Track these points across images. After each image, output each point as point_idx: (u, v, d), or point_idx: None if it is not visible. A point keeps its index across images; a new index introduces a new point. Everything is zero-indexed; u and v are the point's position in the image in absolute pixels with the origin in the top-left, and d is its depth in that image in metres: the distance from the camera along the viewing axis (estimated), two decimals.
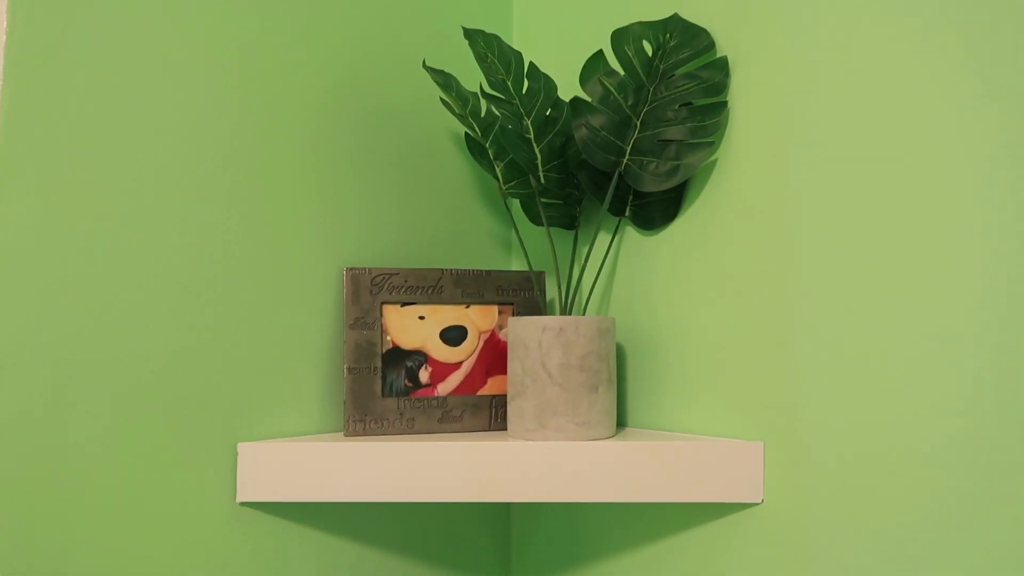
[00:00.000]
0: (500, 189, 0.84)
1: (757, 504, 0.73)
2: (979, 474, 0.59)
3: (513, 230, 0.99)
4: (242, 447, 0.76)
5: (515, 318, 0.79)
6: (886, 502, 0.64)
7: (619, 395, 0.86)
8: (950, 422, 0.60)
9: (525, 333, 0.77)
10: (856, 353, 0.66)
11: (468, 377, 0.86)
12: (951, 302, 0.61)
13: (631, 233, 0.87)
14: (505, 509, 0.98)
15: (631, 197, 0.85)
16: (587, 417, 0.76)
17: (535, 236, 0.98)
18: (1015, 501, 0.57)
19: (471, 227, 0.96)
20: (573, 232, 0.91)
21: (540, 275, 0.89)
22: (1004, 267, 0.58)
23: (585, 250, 0.87)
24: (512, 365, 0.79)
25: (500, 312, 0.88)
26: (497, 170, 0.84)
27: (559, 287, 0.82)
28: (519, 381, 0.78)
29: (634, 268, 0.86)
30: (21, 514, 0.65)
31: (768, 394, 0.73)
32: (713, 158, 0.79)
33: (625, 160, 0.80)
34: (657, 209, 0.83)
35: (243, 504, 0.77)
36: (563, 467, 0.73)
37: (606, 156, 0.80)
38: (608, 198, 0.80)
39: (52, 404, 0.67)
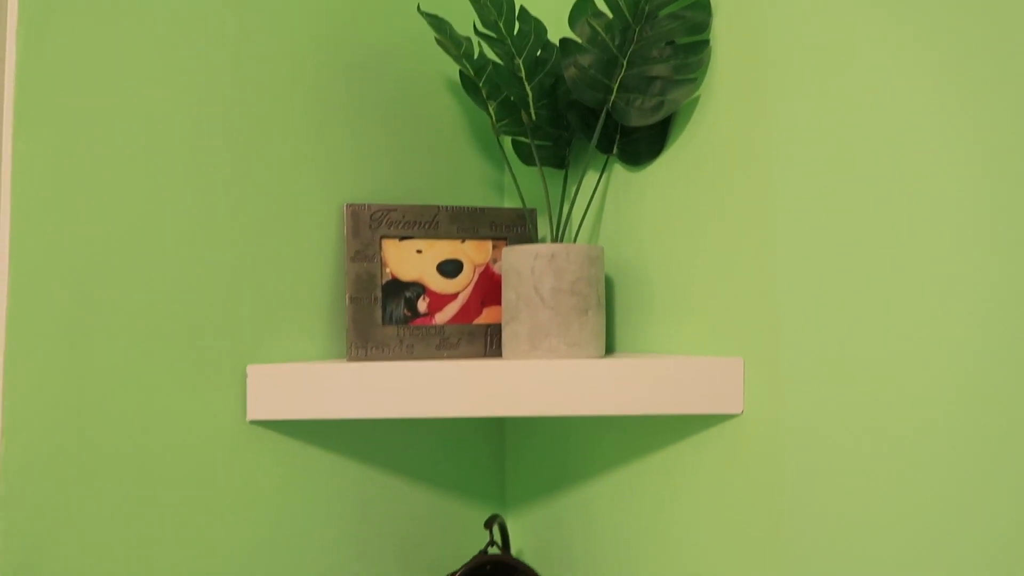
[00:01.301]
0: (493, 127, 0.88)
1: (737, 415, 0.78)
2: (956, 386, 0.64)
3: (506, 169, 1.03)
4: (251, 369, 0.80)
5: (509, 247, 0.83)
6: (860, 413, 0.69)
7: (608, 324, 0.91)
8: (922, 335, 0.65)
9: (518, 261, 0.82)
10: (831, 275, 0.71)
11: (464, 307, 0.91)
12: (924, 222, 0.65)
13: (618, 170, 0.91)
14: (499, 426, 1.03)
15: (618, 135, 0.89)
16: (578, 338, 0.80)
17: (525, 177, 1.02)
18: (988, 414, 0.62)
19: (464, 168, 1.00)
20: (563, 172, 0.95)
21: (532, 212, 0.94)
22: (974, 188, 0.63)
23: (574, 188, 0.91)
24: (507, 293, 0.83)
25: (494, 247, 0.92)
26: (490, 109, 0.88)
27: (550, 222, 0.87)
28: (513, 307, 0.82)
29: (621, 203, 0.91)
30: (46, 430, 0.69)
31: (748, 314, 0.77)
32: (696, 95, 0.84)
33: (612, 97, 0.84)
34: (643, 145, 0.87)
35: (253, 423, 0.81)
36: (555, 383, 0.77)
37: (594, 94, 0.84)
38: (596, 135, 0.84)
39: (75, 331, 0.71)
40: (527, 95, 0.86)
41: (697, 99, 0.83)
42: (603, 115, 0.84)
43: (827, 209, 0.72)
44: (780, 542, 0.75)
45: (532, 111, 0.87)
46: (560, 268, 0.80)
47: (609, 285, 0.91)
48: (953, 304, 0.63)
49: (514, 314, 0.82)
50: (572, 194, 0.90)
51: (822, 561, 0.71)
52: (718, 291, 0.80)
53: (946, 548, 0.63)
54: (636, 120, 0.83)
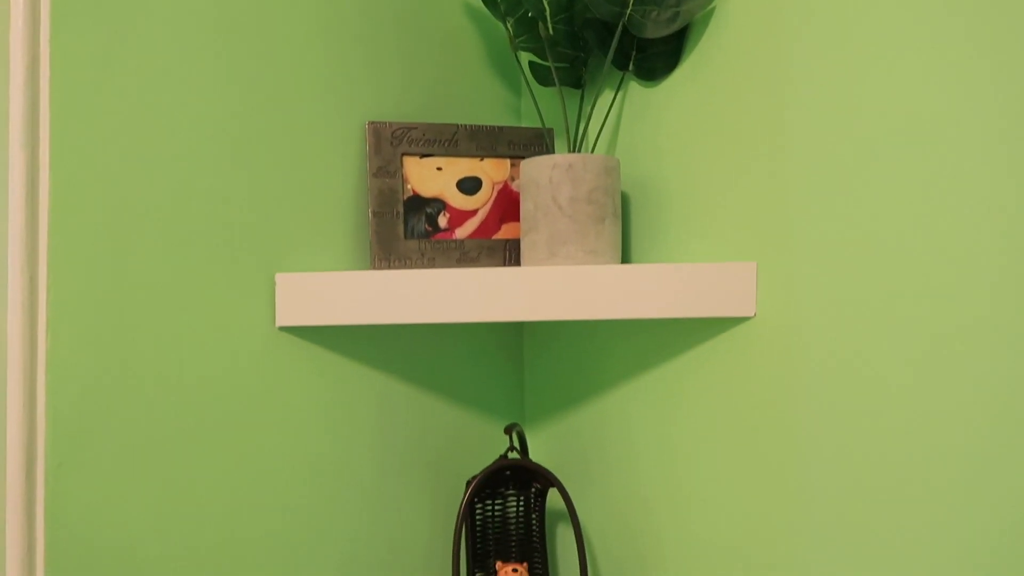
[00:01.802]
0: (511, 42, 0.90)
1: (750, 319, 0.80)
2: (970, 292, 0.65)
3: (521, 91, 1.04)
4: (279, 277, 0.83)
5: (527, 160, 0.85)
6: (872, 315, 0.71)
7: (624, 237, 0.93)
8: (935, 239, 0.67)
9: (537, 171, 0.84)
10: (844, 181, 0.72)
11: (483, 223, 0.93)
12: (936, 128, 0.67)
13: (634, 87, 0.92)
14: (518, 338, 1.05)
15: (634, 51, 0.90)
16: (595, 246, 0.83)
17: (541, 100, 1.04)
18: (1005, 318, 0.64)
19: (481, 90, 1.02)
20: (579, 92, 0.96)
21: (549, 131, 0.95)
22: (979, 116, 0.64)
23: (590, 107, 0.92)
24: (525, 204, 0.85)
25: (512, 165, 0.94)
26: (508, 24, 0.89)
27: (568, 140, 0.88)
28: (531, 217, 0.84)
29: (637, 119, 0.92)
30: (87, 330, 0.73)
31: (761, 221, 0.79)
32: (712, 6, 0.84)
33: (628, 11, 0.85)
34: (659, 60, 0.88)
35: (282, 329, 0.84)
36: (572, 288, 0.80)
37: (610, 7, 0.85)
38: (612, 50, 0.86)
39: (113, 237, 0.74)
40: (545, 9, 0.87)
41: (712, 11, 0.84)
42: (619, 29, 0.85)
43: (841, 116, 0.73)
44: (789, 446, 0.77)
45: (549, 25, 0.88)
46: (577, 177, 0.82)
47: (625, 200, 0.93)
48: (969, 205, 0.65)
49: (532, 224, 0.84)
50: (588, 113, 0.92)
51: (832, 464, 0.74)
52: (732, 200, 0.82)
53: (959, 451, 0.66)
54: (652, 32, 0.84)
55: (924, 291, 0.67)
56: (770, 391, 0.79)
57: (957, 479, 0.66)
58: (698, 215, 0.85)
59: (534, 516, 0.95)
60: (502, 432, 1.01)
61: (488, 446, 1.00)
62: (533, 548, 0.94)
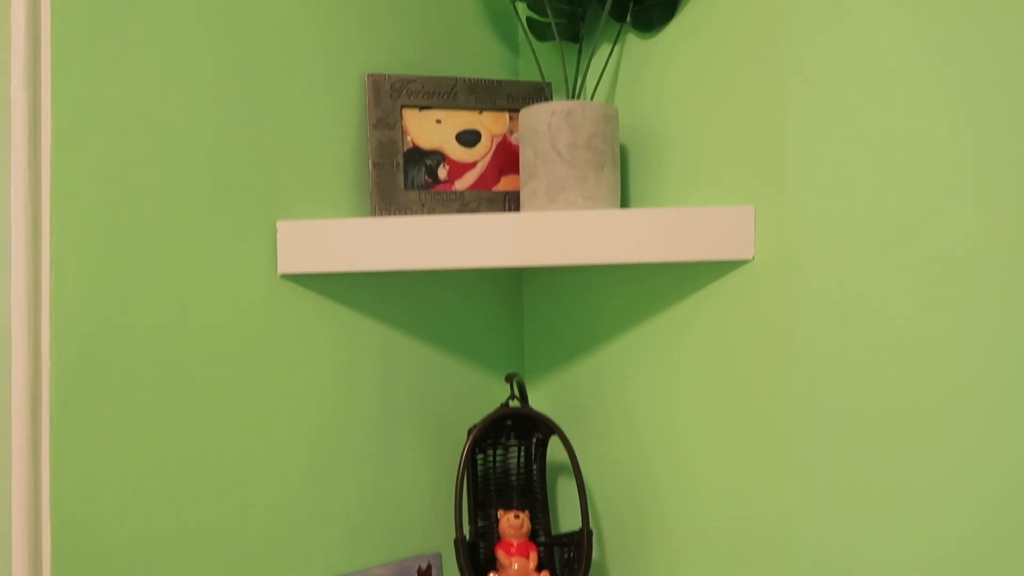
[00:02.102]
0: None
1: (748, 261, 0.81)
2: (969, 230, 0.66)
3: (519, 47, 1.05)
4: (281, 225, 0.83)
5: (526, 108, 0.85)
6: (869, 257, 0.72)
7: (622, 186, 0.93)
8: (932, 179, 0.68)
9: (536, 119, 0.84)
10: (842, 124, 0.73)
11: (483, 175, 0.93)
12: (932, 75, 0.67)
13: (632, 39, 0.93)
14: (517, 288, 1.06)
15: (631, 2, 0.91)
16: (594, 192, 0.83)
17: (541, 54, 1.04)
18: (998, 260, 0.65)
19: (480, 47, 1.02)
20: (577, 45, 0.97)
21: (548, 85, 0.96)
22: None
23: (588, 60, 0.93)
24: (524, 152, 0.86)
25: (511, 119, 0.95)
26: None
27: (567, 92, 0.89)
28: (531, 165, 0.85)
29: (635, 70, 0.93)
30: (90, 273, 0.73)
31: (759, 164, 0.80)
32: None
33: None
34: (656, 11, 0.89)
35: (284, 276, 0.85)
36: (572, 233, 0.80)
37: None
38: (610, 1, 0.86)
39: (115, 181, 0.74)
40: None
41: None
42: None
43: (839, 61, 0.73)
44: (787, 389, 0.78)
45: None
46: (576, 124, 0.83)
47: (623, 151, 0.93)
48: (968, 147, 0.65)
49: (532, 172, 0.85)
50: (586, 65, 0.92)
51: (831, 405, 0.75)
52: (730, 145, 0.82)
53: (959, 389, 0.67)
54: None
55: (922, 231, 0.68)
56: (769, 334, 0.80)
57: (957, 416, 0.67)
58: (696, 162, 0.86)
59: (535, 466, 0.95)
60: (502, 383, 1.02)
61: (489, 397, 1.01)
62: (534, 497, 0.95)
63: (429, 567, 0.95)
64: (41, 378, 0.71)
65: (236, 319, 0.82)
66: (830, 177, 0.74)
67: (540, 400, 1.03)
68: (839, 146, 0.73)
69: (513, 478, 0.96)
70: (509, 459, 0.96)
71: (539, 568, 0.88)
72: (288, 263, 0.83)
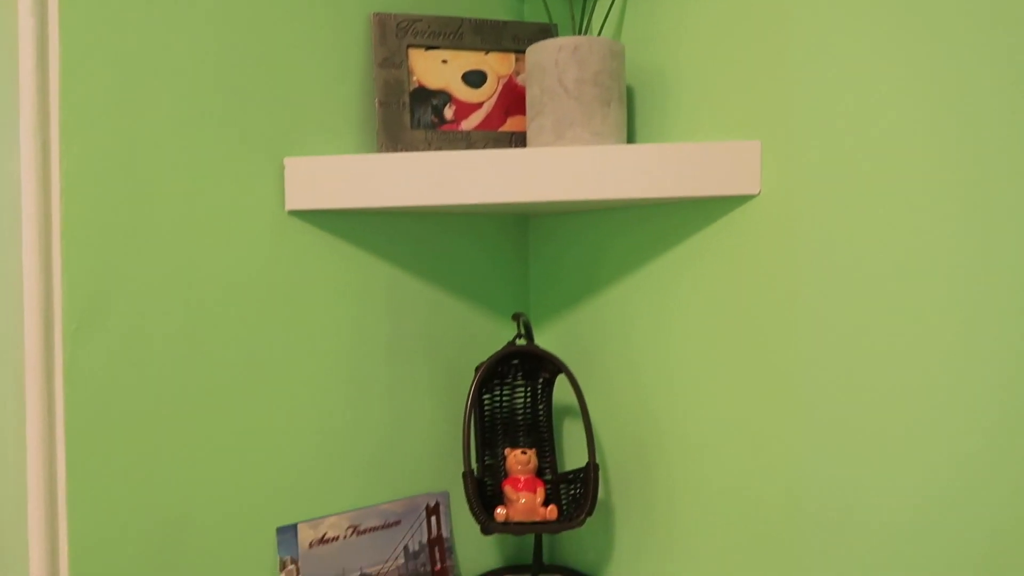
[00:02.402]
0: None
1: (754, 196, 0.81)
2: (972, 165, 0.66)
3: None
4: (288, 161, 0.84)
5: (532, 45, 0.85)
6: (870, 192, 0.72)
7: (629, 124, 0.93)
8: (938, 114, 0.68)
9: (543, 55, 0.84)
10: (846, 59, 0.73)
11: (489, 116, 0.93)
12: (935, 19, 0.67)
13: None
14: (523, 227, 1.07)
15: None
16: (600, 128, 0.83)
17: None
18: (1002, 195, 0.65)
19: None
20: None
21: (554, 26, 0.95)
22: None
23: (592, 2, 0.92)
24: (531, 89, 0.86)
25: (517, 60, 0.95)
26: None
27: (573, 31, 0.89)
28: (538, 102, 0.85)
29: (640, 8, 0.92)
30: (101, 201, 0.74)
31: (765, 100, 0.80)
32: None
33: None
34: None
35: (291, 213, 0.85)
36: (579, 168, 0.80)
37: None
38: None
39: (126, 122, 0.74)
40: None
41: None
42: None
43: (845, 5, 0.73)
44: (790, 325, 0.79)
45: None
46: (583, 60, 0.82)
47: (630, 91, 0.93)
48: (973, 84, 0.65)
49: (539, 109, 0.85)
50: (592, 6, 0.92)
51: (832, 344, 0.75)
52: (735, 81, 0.82)
53: (961, 324, 0.67)
54: None
55: (928, 164, 0.68)
56: (773, 269, 0.80)
57: (957, 351, 0.67)
58: (702, 98, 0.86)
59: (541, 407, 0.97)
60: (508, 326, 1.03)
61: (495, 339, 1.02)
62: (541, 436, 0.96)
63: (437, 505, 0.96)
64: (53, 308, 0.72)
65: (245, 255, 0.82)
66: (836, 111, 0.74)
67: (545, 342, 1.04)
68: (845, 80, 0.73)
69: (520, 418, 0.97)
70: (516, 399, 0.97)
71: (545, 504, 0.90)
72: (295, 199, 0.84)
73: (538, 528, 0.86)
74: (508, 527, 0.86)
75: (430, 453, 0.97)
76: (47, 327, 0.71)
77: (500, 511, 0.87)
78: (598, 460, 0.98)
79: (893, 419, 0.71)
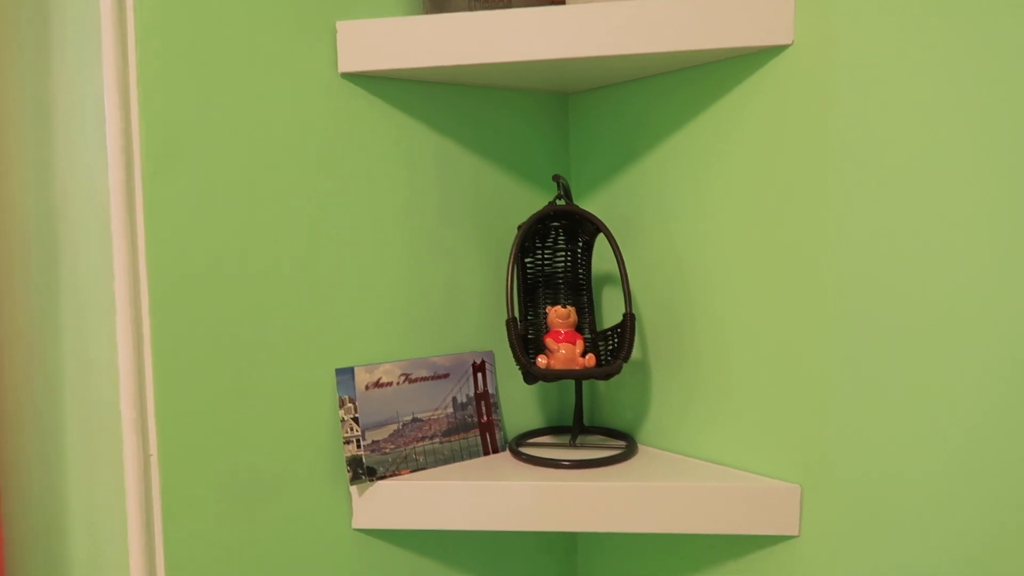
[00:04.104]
0: None
1: (788, 46, 0.83)
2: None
3: None
4: (340, 25, 0.89)
5: None
6: (907, 35, 0.73)
7: None
8: None
9: None
10: None
11: None
12: None
13: None
14: (564, 101, 1.11)
15: None
16: None
17: None
18: None
19: None
20: None
21: None
22: None
23: None
24: None
25: None
26: None
27: None
28: None
29: None
30: (173, 56, 0.80)
31: None
32: None
33: None
34: None
35: (344, 75, 0.90)
36: (615, 22, 0.84)
37: None
38: None
39: None
40: None
41: None
42: None
43: None
44: (824, 186, 0.81)
45: None
46: None
47: None
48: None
49: None
50: None
51: (869, 205, 0.77)
52: None
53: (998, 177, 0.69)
54: None
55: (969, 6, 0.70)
56: (808, 125, 0.82)
57: (991, 203, 0.69)
58: None
59: (581, 270, 1.01)
60: (549, 196, 1.08)
61: (537, 207, 1.06)
62: (580, 296, 1.01)
63: (483, 363, 1.03)
64: (133, 152, 0.79)
65: (304, 115, 0.88)
66: None
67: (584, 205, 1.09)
68: None
69: (560, 280, 1.02)
70: (556, 262, 1.02)
71: (583, 355, 0.95)
72: (348, 61, 0.89)
73: (577, 375, 0.92)
74: (548, 374, 0.92)
75: (478, 314, 1.03)
76: (128, 170, 0.79)
77: (541, 359, 0.93)
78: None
79: (931, 274, 0.74)
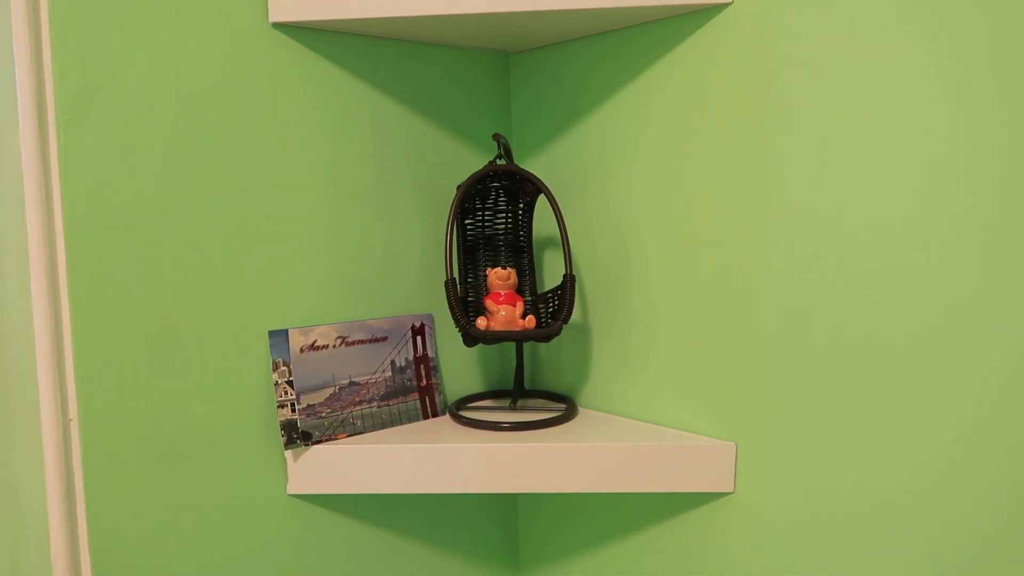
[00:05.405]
0: None
1: (728, 4, 0.83)
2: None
3: None
4: None
5: None
6: None
7: None
8: None
9: None
10: None
11: None
12: None
13: None
14: (505, 61, 1.09)
15: None
16: None
17: None
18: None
19: None
20: None
21: None
22: None
23: None
24: None
25: None
26: None
27: None
28: None
29: None
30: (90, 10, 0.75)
31: None
32: None
33: None
34: None
35: (275, 25, 0.86)
36: None
37: None
38: None
39: None
40: None
41: None
42: None
43: None
44: (761, 137, 0.81)
45: None
46: None
47: None
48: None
49: None
50: None
51: (799, 167, 0.78)
52: None
53: (947, 127, 0.69)
54: None
55: None
56: (745, 87, 0.82)
57: (931, 166, 0.70)
58: None
59: (522, 232, 1.00)
60: (490, 156, 1.06)
61: (478, 167, 1.05)
62: (521, 259, 1.00)
63: (423, 326, 1.01)
64: (46, 100, 0.74)
65: (231, 64, 0.84)
66: None
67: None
68: None
69: (501, 241, 1.01)
70: (497, 223, 1.00)
71: (523, 316, 0.94)
72: (279, 11, 0.85)
73: (516, 336, 0.91)
74: (488, 336, 0.91)
75: (417, 276, 1.01)
76: (41, 118, 0.74)
77: (481, 321, 0.92)
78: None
79: (864, 237, 0.75)
